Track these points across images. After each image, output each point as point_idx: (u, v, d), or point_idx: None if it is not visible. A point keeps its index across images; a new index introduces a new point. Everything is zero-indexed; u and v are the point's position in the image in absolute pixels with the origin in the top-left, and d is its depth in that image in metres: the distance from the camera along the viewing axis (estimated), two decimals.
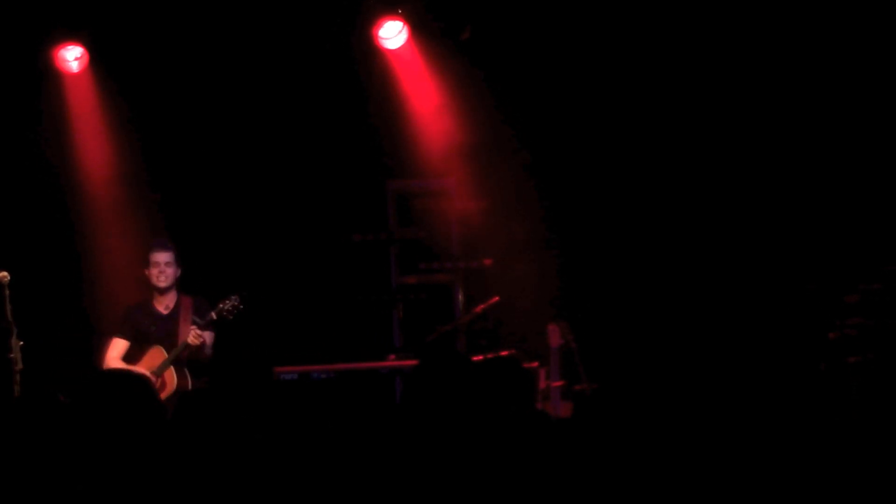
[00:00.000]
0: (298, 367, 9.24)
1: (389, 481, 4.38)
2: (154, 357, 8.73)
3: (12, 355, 8.03)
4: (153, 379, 8.56)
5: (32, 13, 9.71)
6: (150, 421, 4.36)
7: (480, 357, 8.19)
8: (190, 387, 8.65)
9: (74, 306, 10.27)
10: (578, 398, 8.94)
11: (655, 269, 9.84)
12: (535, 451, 4.51)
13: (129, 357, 8.81)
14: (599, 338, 9.63)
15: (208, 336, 8.70)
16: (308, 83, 10.20)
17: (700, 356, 9.46)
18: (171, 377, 8.65)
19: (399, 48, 10.03)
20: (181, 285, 8.94)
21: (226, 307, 8.68)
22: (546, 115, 10.02)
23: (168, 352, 8.69)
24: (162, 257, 8.79)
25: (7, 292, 8.10)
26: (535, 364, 9.00)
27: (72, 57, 10.09)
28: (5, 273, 8.11)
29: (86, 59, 10.10)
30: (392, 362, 9.46)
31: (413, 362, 8.86)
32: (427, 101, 10.12)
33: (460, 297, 10.15)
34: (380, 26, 9.95)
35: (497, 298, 9.61)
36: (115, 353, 8.83)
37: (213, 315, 8.69)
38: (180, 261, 8.88)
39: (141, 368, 8.65)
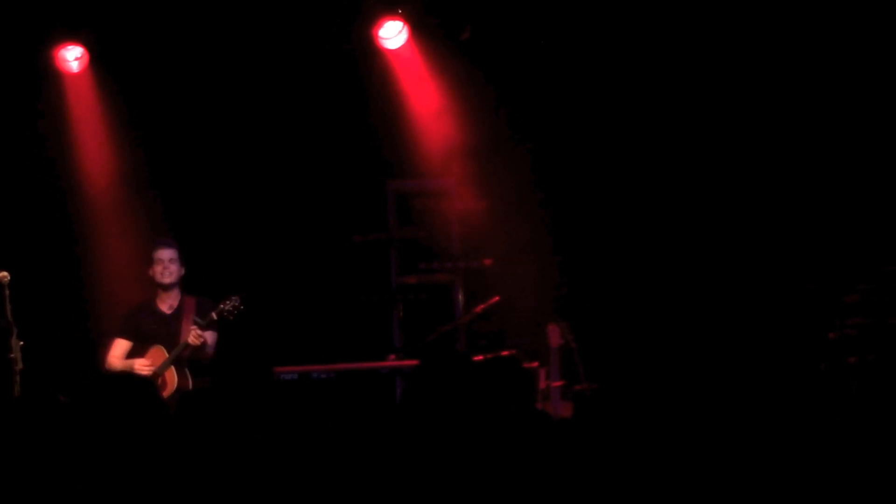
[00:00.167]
0: (298, 367, 9.24)
1: (389, 481, 4.38)
2: (155, 356, 8.73)
3: (12, 355, 8.03)
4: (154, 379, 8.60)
5: (32, 13, 9.71)
6: (152, 423, 4.36)
7: (480, 357, 8.19)
8: (191, 386, 8.67)
9: (74, 306, 10.28)
10: (578, 398, 8.95)
11: (655, 269, 9.84)
12: (535, 451, 4.50)
13: (133, 356, 8.81)
14: (599, 338, 9.63)
15: (209, 336, 8.71)
16: (308, 83, 10.20)
17: (700, 356, 9.46)
18: (172, 377, 8.66)
19: (399, 48, 10.03)
20: (183, 286, 8.95)
21: (226, 307, 8.70)
22: (546, 115, 10.02)
23: (169, 351, 8.70)
24: (166, 254, 8.83)
25: (7, 292, 8.10)
26: (535, 364, 9.00)
27: (72, 57, 10.09)
28: (5, 273, 8.11)
29: (86, 59, 10.10)
30: (392, 362, 9.46)
31: (413, 362, 8.88)
32: (427, 102, 10.12)
33: (460, 297, 10.15)
34: (380, 26, 9.95)
35: (497, 298, 9.61)
36: (118, 352, 8.85)
37: (214, 315, 8.70)
38: (183, 260, 8.90)
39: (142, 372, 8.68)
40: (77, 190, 10.34)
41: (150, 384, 4.64)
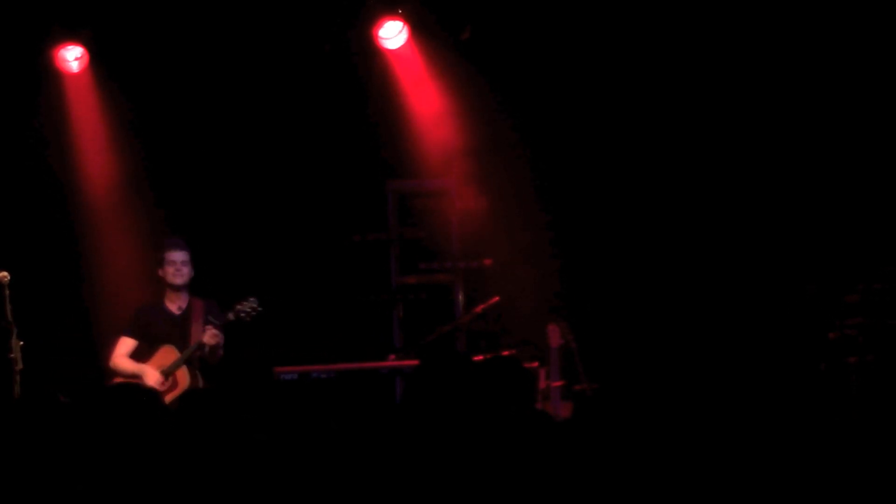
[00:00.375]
0: (298, 367, 9.23)
1: (390, 481, 4.38)
2: (165, 355, 8.74)
3: (12, 355, 8.03)
4: (163, 379, 8.63)
5: (32, 13, 9.71)
6: (154, 433, 4.36)
7: (480, 357, 8.19)
8: (201, 387, 8.67)
9: (74, 306, 10.28)
10: (578, 398, 8.95)
11: (656, 269, 9.84)
12: (535, 451, 4.50)
13: (140, 355, 8.80)
14: (599, 338, 9.63)
15: (221, 337, 8.75)
16: (308, 83, 10.20)
17: (700, 356, 9.46)
18: (184, 377, 8.67)
19: (399, 48, 10.03)
20: (190, 287, 8.96)
21: (244, 309, 8.73)
22: (546, 115, 10.02)
23: (180, 351, 8.71)
24: (178, 256, 8.84)
25: (7, 292, 8.09)
26: (535, 364, 9.00)
27: (72, 57, 10.09)
28: (5, 273, 8.11)
29: (86, 59, 10.10)
30: (392, 362, 9.46)
31: (413, 362, 8.88)
32: (427, 102, 10.12)
33: (460, 297, 10.15)
34: (380, 26, 9.95)
35: (497, 298, 9.61)
36: (124, 351, 8.83)
37: (231, 316, 8.73)
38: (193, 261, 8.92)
39: (152, 367, 8.68)
40: (77, 189, 10.34)
41: (154, 395, 4.62)
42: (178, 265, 8.82)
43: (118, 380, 8.69)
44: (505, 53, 9.97)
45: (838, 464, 4.57)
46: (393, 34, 9.96)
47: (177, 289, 8.86)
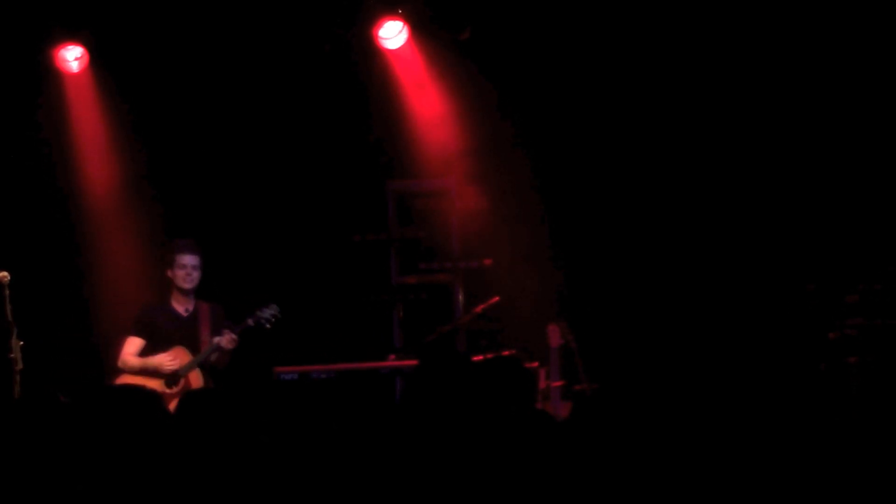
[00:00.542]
0: (298, 367, 9.24)
1: (389, 481, 4.38)
2: (177, 356, 8.74)
3: (12, 355, 8.03)
4: (173, 358, 8.69)
5: (32, 13, 9.71)
6: (155, 437, 4.36)
7: (480, 357, 8.19)
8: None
9: (74, 306, 10.27)
10: (578, 398, 8.94)
11: (656, 269, 9.84)
12: (535, 451, 4.50)
13: (151, 354, 8.78)
14: (599, 338, 9.62)
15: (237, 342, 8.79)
16: (308, 83, 10.20)
17: (700, 356, 9.46)
18: (197, 378, 8.70)
19: (399, 48, 10.03)
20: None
21: (264, 315, 8.76)
22: (546, 115, 10.02)
23: (193, 353, 8.71)
24: (191, 260, 8.82)
25: (7, 292, 8.09)
26: (535, 364, 9.00)
27: (72, 57, 10.09)
28: (5, 273, 8.11)
29: (86, 59, 10.10)
30: (392, 362, 9.46)
31: (413, 362, 8.88)
32: (427, 102, 10.12)
33: (460, 297, 10.15)
34: (380, 26, 9.95)
35: (497, 298, 9.61)
36: (132, 350, 8.80)
37: (250, 322, 8.75)
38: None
39: (165, 367, 8.70)
40: (77, 189, 10.34)
41: (155, 397, 4.62)
42: (188, 269, 8.80)
43: (126, 377, 8.68)
44: (505, 53, 9.96)
45: (838, 464, 4.57)
46: (393, 34, 9.96)
47: (185, 292, 8.85)
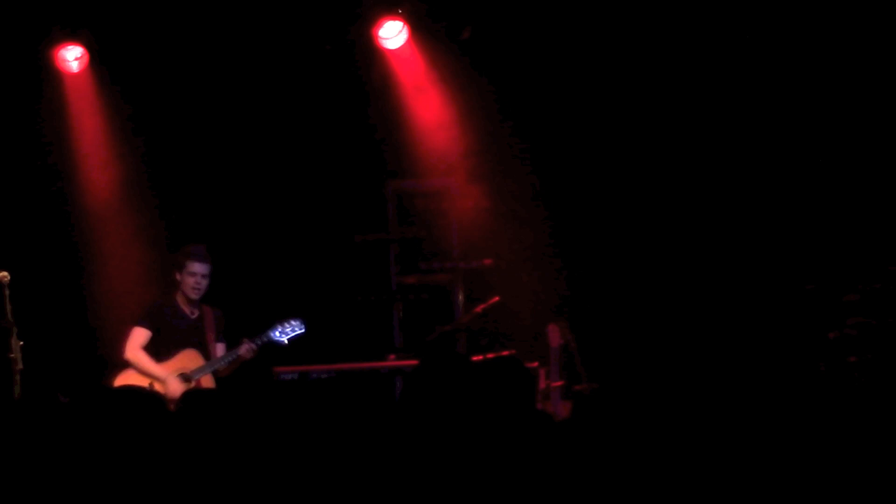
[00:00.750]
0: (298, 367, 9.24)
1: (389, 481, 4.38)
2: (189, 359, 8.75)
3: (12, 355, 8.03)
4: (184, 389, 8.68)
5: (32, 13, 9.71)
6: (155, 437, 4.35)
7: (480, 357, 8.19)
8: None
9: (74, 306, 10.27)
10: (578, 398, 8.94)
11: (656, 269, 9.84)
12: (535, 451, 4.50)
13: (160, 352, 8.77)
14: (599, 338, 9.62)
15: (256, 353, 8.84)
16: (308, 83, 10.20)
17: (700, 356, 9.45)
18: (209, 383, 8.73)
19: (399, 48, 10.03)
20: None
21: (286, 330, 8.77)
22: (546, 115, 10.02)
23: (205, 357, 8.76)
24: (201, 269, 8.81)
25: (7, 292, 8.09)
26: (535, 364, 9.00)
27: (72, 57, 10.09)
28: (5, 273, 8.11)
29: (86, 59, 10.10)
30: (392, 362, 9.46)
31: (413, 362, 8.87)
32: (427, 102, 10.12)
33: (460, 297, 10.15)
34: (380, 26, 9.95)
35: (497, 298, 9.61)
36: (140, 342, 8.77)
37: (273, 336, 8.78)
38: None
39: (174, 372, 8.71)
40: (77, 189, 10.34)
41: (156, 398, 4.61)
42: (198, 278, 8.79)
43: (132, 373, 8.68)
44: (505, 53, 9.96)
45: (838, 463, 4.57)
46: (393, 34, 9.96)
47: (192, 301, 8.86)
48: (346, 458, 4.47)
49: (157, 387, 8.56)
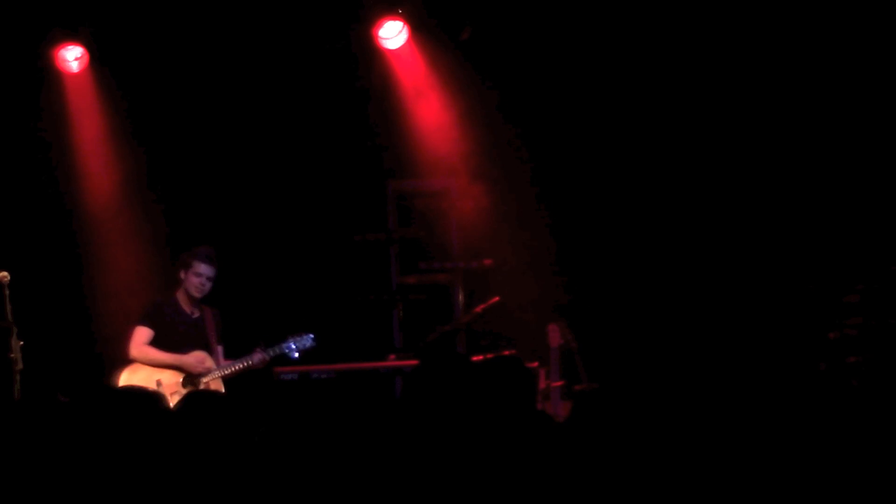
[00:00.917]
0: (298, 367, 9.24)
1: (389, 481, 4.38)
2: (199, 358, 8.75)
3: (12, 355, 8.03)
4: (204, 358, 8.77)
5: (32, 13, 9.71)
6: (155, 437, 4.35)
7: (480, 357, 8.19)
8: None
9: (74, 306, 10.27)
10: (578, 398, 8.93)
11: (656, 269, 9.84)
12: (535, 451, 4.50)
13: (158, 348, 8.78)
14: (599, 338, 9.62)
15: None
16: (308, 83, 10.20)
17: (700, 356, 9.45)
18: (218, 387, 8.75)
19: (399, 48, 10.03)
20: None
21: (298, 345, 8.80)
22: (547, 115, 10.02)
23: (215, 360, 8.80)
24: (207, 271, 8.81)
25: (7, 292, 8.09)
26: (535, 364, 9.00)
27: (72, 57, 10.09)
28: (5, 273, 8.10)
29: (86, 59, 10.10)
30: (392, 362, 9.46)
31: (413, 362, 8.88)
32: (427, 102, 10.12)
33: (460, 297, 10.15)
34: (380, 26, 9.95)
35: (497, 298, 9.61)
36: (144, 339, 8.77)
37: (285, 349, 8.80)
38: None
39: (188, 360, 8.74)
40: (77, 189, 10.34)
41: (157, 398, 4.62)
42: (203, 279, 8.80)
43: (139, 367, 8.68)
44: (505, 54, 9.97)
45: (838, 464, 4.57)
46: (393, 34, 9.96)
47: (195, 299, 8.87)
48: (346, 458, 4.47)
49: (170, 375, 8.60)
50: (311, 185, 10.32)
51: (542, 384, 9.02)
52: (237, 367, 8.78)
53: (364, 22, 9.94)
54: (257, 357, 8.76)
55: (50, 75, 10.12)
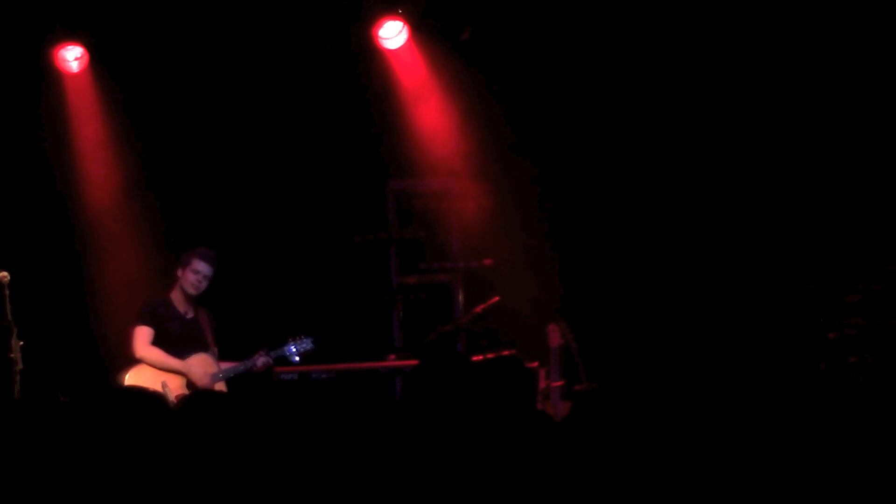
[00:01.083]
0: (298, 367, 9.24)
1: (389, 481, 4.38)
2: (204, 363, 8.76)
3: (12, 355, 8.03)
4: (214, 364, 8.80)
5: (32, 13, 9.71)
6: (156, 437, 4.35)
7: (480, 357, 8.19)
8: None
9: (74, 306, 10.27)
10: (578, 398, 8.94)
11: (656, 268, 9.84)
12: (535, 451, 4.51)
13: (172, 353, 8.79)
14: (599, 338, 9.63)
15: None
16: (308, 84, 10.20)
17: (700, 356, 9.46)
18: (222, 388, 8.75)
19: (399, 48, 10.03)
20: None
21: (299, 348, 8.81)
22: (547, 115, 10.02)
23: (216, 362, 8.82)
24: (205, 269, 8.83)
25: (7, 292, 8.09)
26: (535, 364, 9.00)
27: (72, 57, 10.09)
28: (5, 273, 8.11)
29: (86, 59, 10.10)
30: (392, 362, 9.46)
31: (413, 362, 8.88)
32: (427, 102, 10.12)
33: (460, 297, 10.15)
34: (380, 26, 9.95)
35: (497, 298, 9.61)
36: (147, 339, 8.76)
37: (285, 352, 8.83)
38: None
39: (194, 374, 8.74)
40: (77, 189, 10.34)
41: (158, 399, 4.62)
42: (200, 277, 8.82)
43: (144, 368, 8.68)
44: (505, 54, 9.97)
45: (838, 464, 4.58)
46: (393, 34, 9.96)
47: (189, 296, 8.87)
48: (346, 459, 4.47)
49: (175, 377, 8.61)
50: (311, 186, 10.32)
51: (542, 384, 9.03)
52: (240, 370, 8.80)
53: (364, 22, 9.94)
54: (261, 360, 8.78)
55: (50, 75, 10.12)
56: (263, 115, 10.26)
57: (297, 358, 8.89)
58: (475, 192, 10.09)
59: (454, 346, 9.83)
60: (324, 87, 10.20)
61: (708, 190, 9.77)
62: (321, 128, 10.28)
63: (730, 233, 9.71)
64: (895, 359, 8.62)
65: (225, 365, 8.84)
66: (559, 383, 9.08)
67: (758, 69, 9.58)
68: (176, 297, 8.88)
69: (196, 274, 8.81)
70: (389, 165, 10.30)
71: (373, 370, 9.39)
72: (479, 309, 9.67)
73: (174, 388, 8.55)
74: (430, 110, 10.12)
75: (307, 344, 8.89)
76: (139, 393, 4.60)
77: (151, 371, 8.65)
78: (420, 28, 9.96)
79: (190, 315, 8.89)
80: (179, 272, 8.85)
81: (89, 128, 10.29)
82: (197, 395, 4.81)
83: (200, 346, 8.80)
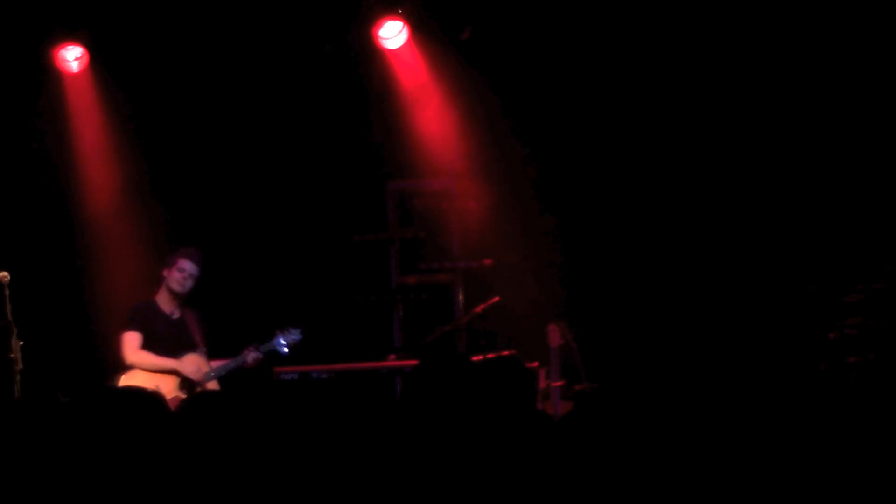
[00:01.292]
0: (298, 367, 9.24)
1: (389, 481, 4.38)
2: (196, 361, 8.77)
3: (12, 355, 8.03)
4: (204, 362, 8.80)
5: (32, 13, 9.71)
6: (155, 437, 4.35)
7: (480, 357, 8.18)
8: None
9: (74, 306, 10.27)
10: (578, 398, 8.94)
11: (656, 268, 9.84)
12: (535, 451, 4.50)
13: (162, 354, 8.80)
14: (599, 338, 9.62)
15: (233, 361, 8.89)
16: (308, 84, 10.20)
17: (700, 356, 9.45)
18: (215, 388, 8.76)
19: (399, 48, 10.03)
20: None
21: (288, 339, 8.82)
22: (547, 115, 10.02)
23: (208, 362, 8.83)
24: (190, 268, 8.88)
25: (7, 292, 8.10)
26: (535, 364, 9.00)
27: (72, 57, 10.09)
28: (5, 273, 8.11)
29: (86, 59, 10.10)
30: (392, 362, 9.46)
31: (413, 362, 8.88)
32: (427, 102, 10.12)
33: (460, 297, 10.15)
34: (380, 26, 9.95)
35: (497, 298, 9.61)
36: (136, 344, 8.80)
37: (274, 344, 8.87)
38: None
39: (187, 370, 8.73)
40: (77, 189, 10.34)
41: (157, 399, 4.61)
42: (186, 274, 8.86)
43: (137, 373, 8.69)
44: (505, 53, 9.96)
45: (838, 464, 4.58)
46: (393, 34, 9.96)
47: (175, 295, 8.89)
48: (346, 459, 4.47)
49: (168, 380, 8.61)
50: (312, 186, 10.32)
51: (542, 384, 9.02)
52: (231, 368, 8.82)
53: (364, 22, 9.94)
54: (251, 356, 8.81)
55: (50, 75, 10.12)
56: (264, 116, 10.26)
57: (287, 349, 8.90)
58: (475, 192, 10.09)
59: (454, 346, 9.83)
60: (324, 87, 10.20)
61: (708, 190, 9.76)
62: (321, 128, 10.29)
63: (730, 233, 9.71)
64: (895, 359, 8.62)
65: (215, 363, 8.86)
66: (559, 383, 9.07)
67: (758, 69, 9.58)
68: (161, 299, 8.91)
69: (181, 272, 8.85)
70: (389, 165, 10.30)
71: (373, 370, 9.39)
72: (479, 309, 9.66)
73: (167, 391, 8.56)
74: (430, 110, 10.12)
75: (295, 335, 8.90)
76: (139, 393, 4.60)
77: (143, 375, 8.67)
78: (420, 28, 9.95)
79: (176, 315, 8.91)
80: (165, 272, 8.91)
81: (89, 128, 10.29)
82: (197, 395, 4.81)
83: (188, 346, 8.82)
